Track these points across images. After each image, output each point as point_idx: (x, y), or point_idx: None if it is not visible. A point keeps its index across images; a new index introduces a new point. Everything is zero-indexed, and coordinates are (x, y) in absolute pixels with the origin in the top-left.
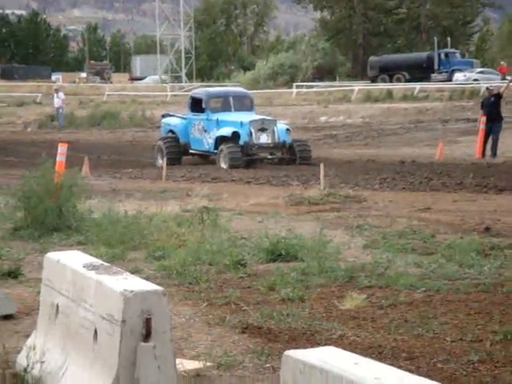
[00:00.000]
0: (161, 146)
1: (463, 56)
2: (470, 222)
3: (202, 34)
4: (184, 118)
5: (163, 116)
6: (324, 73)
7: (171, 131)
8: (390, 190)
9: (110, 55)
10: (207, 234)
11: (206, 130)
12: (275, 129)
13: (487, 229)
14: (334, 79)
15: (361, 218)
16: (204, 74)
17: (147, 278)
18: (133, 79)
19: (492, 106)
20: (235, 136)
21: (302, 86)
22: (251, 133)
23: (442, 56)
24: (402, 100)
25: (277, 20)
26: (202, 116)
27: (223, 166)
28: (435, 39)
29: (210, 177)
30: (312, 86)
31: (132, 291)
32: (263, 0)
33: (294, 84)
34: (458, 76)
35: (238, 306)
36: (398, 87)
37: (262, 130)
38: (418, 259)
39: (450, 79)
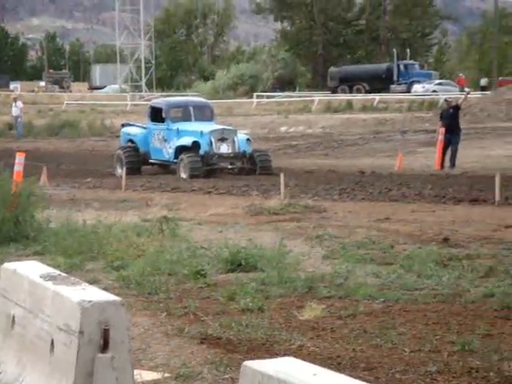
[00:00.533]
0: (120, 155)
1: (422, 67)
2: (428, 232)
3: (162, 43)
4: (144, 128)
5: (123, 125)
6: (284, 83)
7: (131, 140)
8: (349, 200)
9: (69, 64)
10: (166, 244)
11: (166, 140)
12: (235, 139)
13: (446, 239)
14: (294, 89)
15: (320, 228)
16: (164, 83)
17: (105, 289)
18: (92, 88)
19: (451, 117)
20: (195, 146)
21: (263, 96)
22: (211, 142)
23: (401, 67)
24: (362, 111)
25: (237, 30)
26: (162, 126)
27: (183, 175)
28: (394, 51)
29: (169, 186)
30: (272, 96)
31: (90, 301)
32: (223, 10)
33: (255, 94)
34: (417, 87)
35: (197, 317)
36: (357, 98)
37: (222, 139)
38: (376, 269)
39: (408, 90)
